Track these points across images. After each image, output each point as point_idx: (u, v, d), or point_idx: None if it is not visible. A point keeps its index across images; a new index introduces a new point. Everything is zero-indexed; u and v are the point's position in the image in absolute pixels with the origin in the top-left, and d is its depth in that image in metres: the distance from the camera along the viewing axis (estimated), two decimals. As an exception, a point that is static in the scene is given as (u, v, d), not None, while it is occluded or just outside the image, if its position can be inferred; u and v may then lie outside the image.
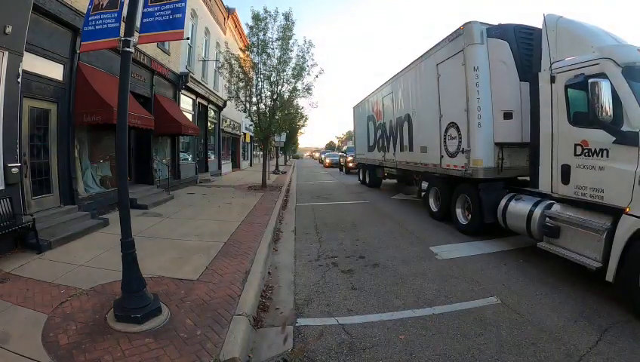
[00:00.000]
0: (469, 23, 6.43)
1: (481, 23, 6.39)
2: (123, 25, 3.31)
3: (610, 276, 3.67)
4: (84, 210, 6.80)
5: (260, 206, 9.49)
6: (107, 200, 7.98)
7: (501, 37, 6.19)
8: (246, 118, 17.14)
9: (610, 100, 3.69)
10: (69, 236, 5.61)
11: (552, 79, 4.65)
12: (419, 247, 6.03)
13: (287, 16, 12.50)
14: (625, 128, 3.67)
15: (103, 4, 3.52)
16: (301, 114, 19.86)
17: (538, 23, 5.20)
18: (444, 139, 7.49)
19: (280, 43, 12.57)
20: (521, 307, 3.73)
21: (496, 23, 6.39)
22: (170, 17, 3.31)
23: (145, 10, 3.39)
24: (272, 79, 12.84)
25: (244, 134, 26.74)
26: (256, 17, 12.49)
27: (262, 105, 13.38)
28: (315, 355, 2.90)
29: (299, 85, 13.27)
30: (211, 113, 17.68)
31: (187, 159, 14.38)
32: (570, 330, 3.26)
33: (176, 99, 12.75)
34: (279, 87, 12.98)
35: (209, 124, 17.55)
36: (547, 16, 4.88)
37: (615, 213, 3.77)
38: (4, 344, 2.73)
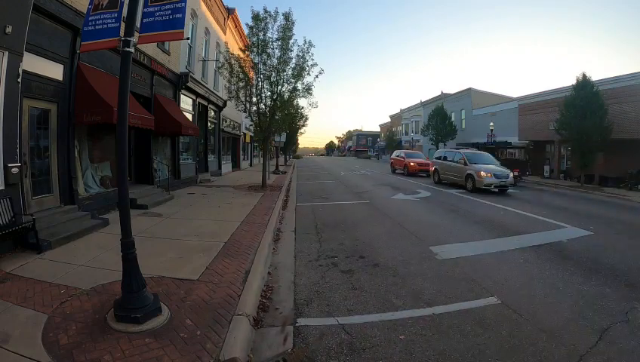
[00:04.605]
0: None
1: None
2: (123, 25, 3.31)
3: None
4: (84, 210, 6.79)
5: (260, 206, 9.49)
6: (107, 200, 7.98)
7: None
8: (246, 118, 17.12)
9: None
10: (69, 236, 5.60)
11: None
12: (419, 247, 6.03)
13: (287, 17, 12.51)
14: None
15: (103, 4, 3.52)
16: (301, 114, 19.91)
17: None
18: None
19: (280, 43, 12.57)
20: (521, 307, 3.73)
21: None
22: (171, 17, 3.32)
23: (145, 10, 3.40)
24: (272, 79, 12.82)
25: (244, 134, 26.73)
26: (256, 17, 12.49)
27: (262, 105, 13.36)
28: (315, 355, 2.90)
29: (299, 85, 13.28)
30: (211, 113, 17.67)
31: (187, 159, 14.36)
32: (570, 330, 3.26)
33: (176, 99, 12.74)
34: (279, 87, 12.97)
35: (209, 124, 17.53)
36: None
37: None
38: (4, 344, 2.72)
